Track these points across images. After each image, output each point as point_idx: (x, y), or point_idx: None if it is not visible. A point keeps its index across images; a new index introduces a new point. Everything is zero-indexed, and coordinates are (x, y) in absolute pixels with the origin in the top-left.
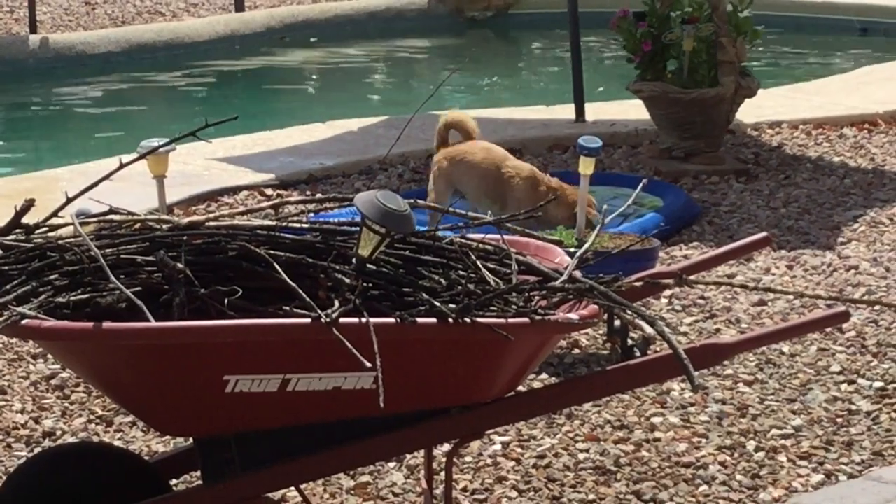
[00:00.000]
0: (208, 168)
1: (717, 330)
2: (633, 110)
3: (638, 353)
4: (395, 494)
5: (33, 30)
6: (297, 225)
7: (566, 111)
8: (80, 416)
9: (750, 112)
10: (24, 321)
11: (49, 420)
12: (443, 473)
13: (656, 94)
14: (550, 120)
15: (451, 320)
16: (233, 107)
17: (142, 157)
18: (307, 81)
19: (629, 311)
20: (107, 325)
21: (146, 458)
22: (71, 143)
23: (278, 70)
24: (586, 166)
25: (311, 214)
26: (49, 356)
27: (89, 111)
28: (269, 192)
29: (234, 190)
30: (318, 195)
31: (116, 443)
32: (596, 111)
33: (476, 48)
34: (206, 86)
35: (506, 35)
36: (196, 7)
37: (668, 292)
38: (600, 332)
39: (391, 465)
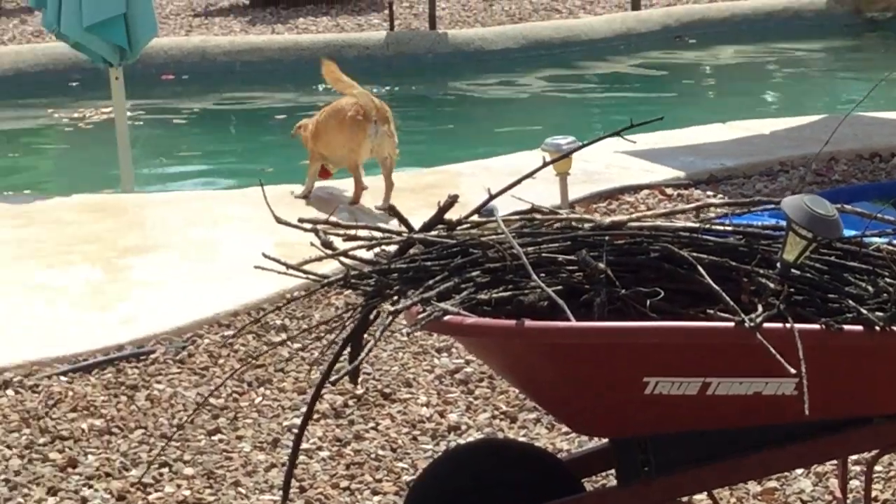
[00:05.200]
0: (609, 165)
1: None
2: None
3: None
4: (804, 502)
5: (432, 25)
6: (720, 227)
7: None
8: (485, 411)
9: None
10: (447, 317)
11: (454, 414)
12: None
13: None
14: None
15: (878, 328)
16: (627, 106)
17: (564, 156)
18: (702, 80)
19: None
20: (530, 323)
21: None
22: (467, 137)
23: (673, 68)
24: None
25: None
26: (453, 351)
27: (486, 106)
28: (669, 191)
29: (636, 189)
30: (742, 199)
31: (521, 439)
32: None
33: (874, 49)
34: (598, 83)
35: None
36: (592, 5)
37: None
38: None
39: (798, 471)
